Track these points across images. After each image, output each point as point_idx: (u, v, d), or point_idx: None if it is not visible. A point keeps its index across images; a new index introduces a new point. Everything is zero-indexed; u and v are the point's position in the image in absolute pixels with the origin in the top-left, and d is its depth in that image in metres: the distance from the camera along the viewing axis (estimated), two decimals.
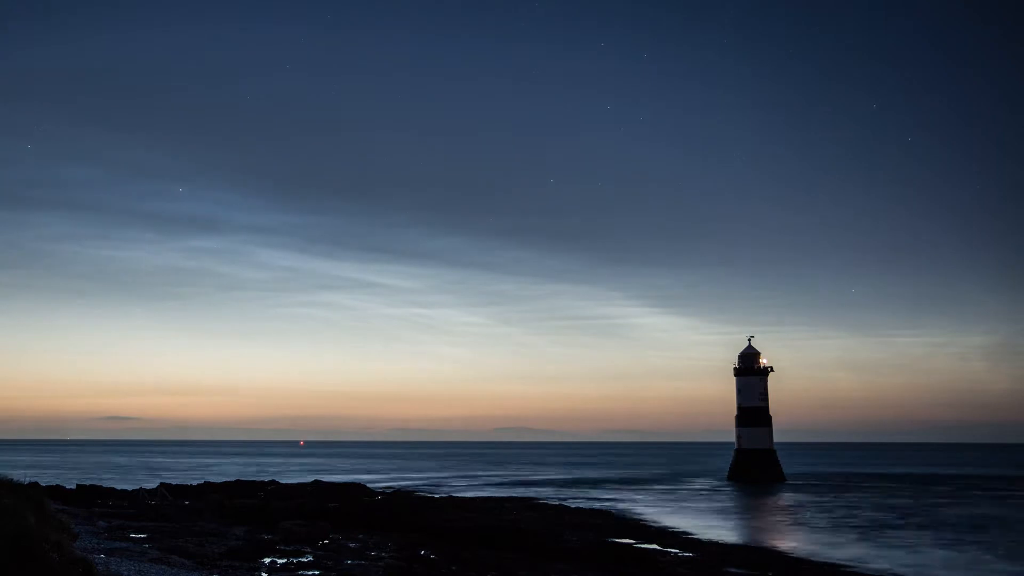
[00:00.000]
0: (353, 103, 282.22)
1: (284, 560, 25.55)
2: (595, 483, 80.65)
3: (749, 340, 79.99)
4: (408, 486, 71.50)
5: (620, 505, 53.78)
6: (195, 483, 59.51)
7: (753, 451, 77.45)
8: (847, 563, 29.41)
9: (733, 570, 27.08)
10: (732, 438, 79.42)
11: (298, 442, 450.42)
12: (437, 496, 56.23)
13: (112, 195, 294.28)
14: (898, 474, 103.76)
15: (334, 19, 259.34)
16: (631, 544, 32.71)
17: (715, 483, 79.39)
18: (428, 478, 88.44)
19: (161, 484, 54.46)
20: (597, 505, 52.91)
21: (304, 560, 25.72)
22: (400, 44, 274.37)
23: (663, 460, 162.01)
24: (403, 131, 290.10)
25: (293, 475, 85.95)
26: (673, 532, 38.11)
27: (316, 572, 23.62)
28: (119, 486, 55.78)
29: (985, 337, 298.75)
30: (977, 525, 42.67)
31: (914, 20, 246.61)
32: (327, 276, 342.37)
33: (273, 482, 61.79)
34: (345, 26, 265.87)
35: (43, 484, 45.37)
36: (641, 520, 43.67)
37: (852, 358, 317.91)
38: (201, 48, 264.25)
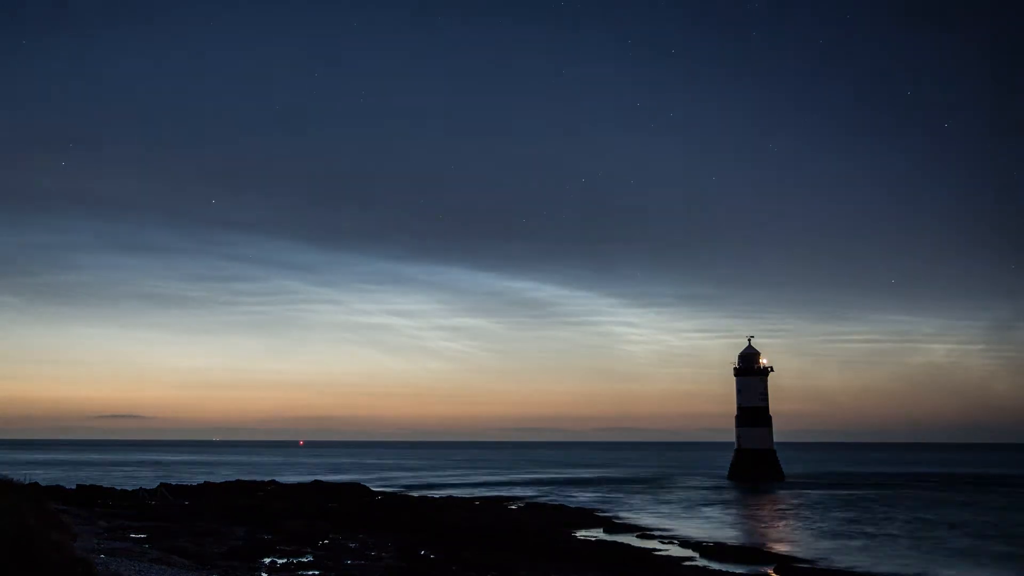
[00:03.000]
0: (366, 106, 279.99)
1: (284, 560, 25.59)
2: (595, 483, 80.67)
3: (749, 340, 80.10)
4: (407, 486, 71.51)
5: (620, 505, 53.79)
6: (195, 483, 59.53)
7: (753, 451, 77.53)
8: (846, 562, 29.40)
9: (732, 569, 27.13)
10: (732, 438, 79.47)
11: (298, 442, 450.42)
12: (437, 496, 56.26)
13: (127, 201, 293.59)
14: (898, 473, 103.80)
15: (360, 24, 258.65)
16: (631, 544, 32.75)
17: (715, 483, 79.39)
18: (427, 478, 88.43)
19: (161, 484, 54.45)
20: (597, 505, 52.91)
21: (304, 560, 25.75)
22: (421, 43, 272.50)
23: (663, 460, 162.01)
24: (417, 133, 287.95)
25: (293, 475, 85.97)
26: (672, 532, 38.13)
27: (316, 572, 23.64)
28: (119, 486, 55.79)
29: (987, 339, 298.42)
30: (979, 524, 42.66)
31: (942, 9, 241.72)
32: (326, 276, 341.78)
33: (273, 482, 61.83)
34: (360, 26, 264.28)
35: (43, 484, 45.55)
36: (641, 520, 43.67)
37: (852, 358, 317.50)
38: (224, 56, 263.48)
